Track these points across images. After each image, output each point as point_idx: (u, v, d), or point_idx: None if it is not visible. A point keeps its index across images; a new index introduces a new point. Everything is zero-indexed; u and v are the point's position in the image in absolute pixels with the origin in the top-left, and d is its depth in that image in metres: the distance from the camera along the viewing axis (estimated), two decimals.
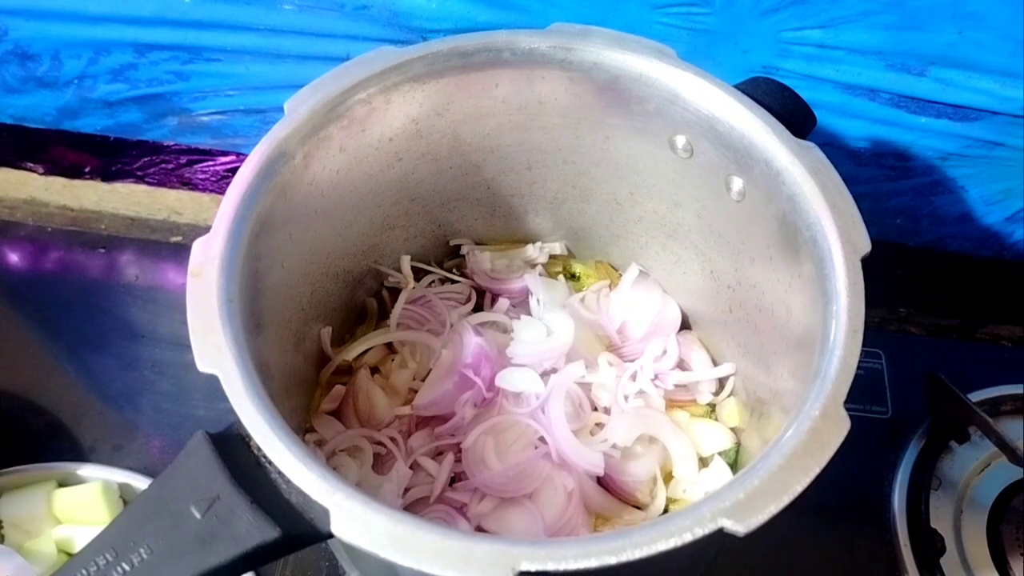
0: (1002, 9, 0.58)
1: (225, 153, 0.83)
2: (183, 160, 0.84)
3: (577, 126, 0.59)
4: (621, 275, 0.69)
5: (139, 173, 0.86)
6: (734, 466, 0.61)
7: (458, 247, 0.70)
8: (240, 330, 0.42)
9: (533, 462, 0.57)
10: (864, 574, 0.66)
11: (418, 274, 0.68)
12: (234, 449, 0.41)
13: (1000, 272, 0.82)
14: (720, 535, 0.37)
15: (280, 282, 0.52)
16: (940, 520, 0.67)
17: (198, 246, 0.45)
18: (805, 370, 0.44)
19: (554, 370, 0.62)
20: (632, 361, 0.64)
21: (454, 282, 0.68)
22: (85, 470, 0.66)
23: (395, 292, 0.67)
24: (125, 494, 0.66)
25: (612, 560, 0.35)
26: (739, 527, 0.36)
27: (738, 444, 0.61)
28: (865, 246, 0.45)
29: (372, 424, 0.61)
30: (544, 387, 0.60)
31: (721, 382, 0.64)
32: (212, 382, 0.40)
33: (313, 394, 0.62)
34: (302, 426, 0.60)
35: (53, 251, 0.83)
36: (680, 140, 0.55)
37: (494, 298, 0.68)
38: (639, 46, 0.53)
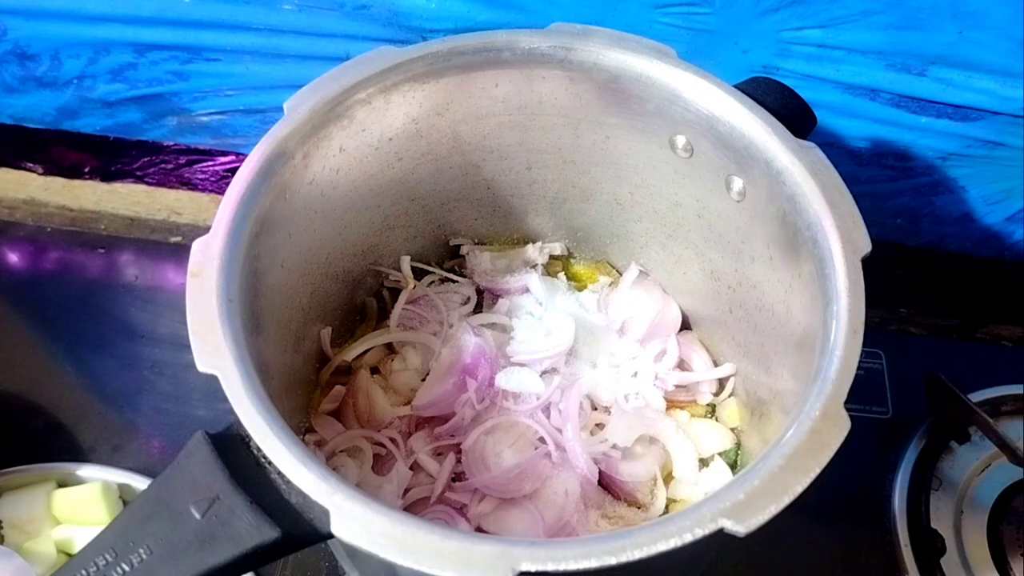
0: (1002, 9, 0.58)
1: (225, 153, 0.83)
2: (183, 160, 0.84)
3: (577, 126, 0.59)
4: (621, 275, 0.69)
5: (139, 173, 0.86)
6: (734, 466, 0.61)
7: (458, 247, 0.70)
8: (239, 330, 0.42)
9: (533, 462, 0.57)
10: (864, 574, 0.66)
11: (418, 274, 0.68)
12: (234, 449, 0.41)
13: (1000, 272, 0.82)
14: (720, 535, 0.37)
15: (279, 282, 0.52)
16: (940, 520, 0.67)
17: (197, 246, 0.45)
18: (805, 370, 0.44)
19: (554, 370, 0.62)
20: (632, 361, 0.64)
21: (454, 282, 0.68)
22: (85, 470, 0.66)
23: (395, 292, 0.67)
24: (125, 494, 0.66)
25: (612, 560, 0.35)
26: (739, 527, 0.36)
27: (738, 444, 0.61)
28: (865, 246, 0.45)
29: (372, 424, 0.61)
30: (544, 387, 0.60)
31: (721, 382, 0.64)
32: (212, 382, 0.40)
33: (313, 394, 0.62)
34: (302, 426, 0.60)
35: (52, 251, 0.83)
36: (680, 140, 0.54)
37: (494, 298, 0.68)
38: (639, 46, 0.53)
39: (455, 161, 0.61)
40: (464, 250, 0.69)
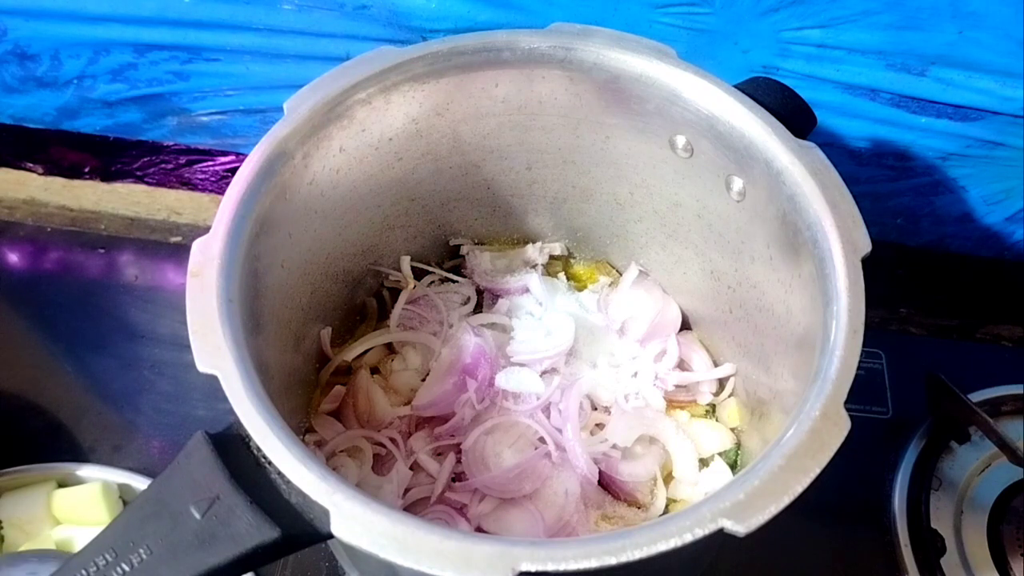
0: (1002, 9, 0.58)
1: (225, 153, 0.83)
2: (183, 160, 0.84)
3: (577, 126, 0.59)
4: (621, 275, 0.69)
5: (139, 173, 0.86)
6: (734, 466, 0.61)
7: (458, 247, 0.70)
8: (239, 330, 0.42)
9: (533, 462, 0.57)
10: (864, 574, 0.66)
11: (418, 274, 0.68)
12: (234, 449, 0.41)
13: (1000, 272, 0.82)
14: (720, 535, 0.37)
15: (280, 282, 0.52)
16: (940, 520, 0.67)
17: (197, 246, 0.45)
18: (805, 370, 0.44)
19: (554, 370, 0.62)
20: (632, 361, 0.64)
21: (454, 282, 0.68)
22: (85, 470, 0.66)
23: (395, 292, 0.67)
24: (125, 494, 0.66)
25: (612, 560, 0.35)
26: (739, 527, 0.36)
27: (738, 444, 0.61)
28: (865, 246, 0.45)
29: (372, 424, 0.61)
30: (544, 387, 0.60)
31: (721, 382, 0.64)
32: (212, 382, 0.40)
33: (313, 394, 0.62)
34: (302, 426, 0.60)
35: (53, 251, 0.83)
36: (680, 140, 0.54)
37: (494, 298, 0.68)
38: (639, 46, 0.53)
39: (455, 161, 0.61)
40: (464, 250, 0.69)
